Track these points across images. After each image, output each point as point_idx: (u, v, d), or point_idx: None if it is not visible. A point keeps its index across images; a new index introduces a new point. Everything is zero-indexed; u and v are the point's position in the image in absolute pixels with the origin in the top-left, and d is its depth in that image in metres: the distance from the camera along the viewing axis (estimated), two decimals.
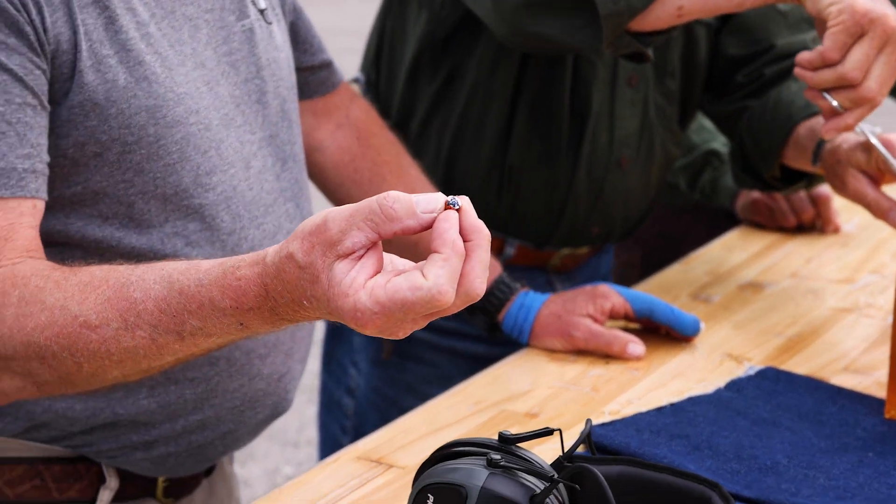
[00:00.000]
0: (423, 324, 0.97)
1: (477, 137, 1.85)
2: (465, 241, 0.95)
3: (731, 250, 2.04)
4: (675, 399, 1.49)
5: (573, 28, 1.59)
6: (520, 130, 1.84)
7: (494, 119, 1.84)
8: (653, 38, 1.61)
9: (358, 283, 0.94)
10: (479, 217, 0.97)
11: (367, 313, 0.94)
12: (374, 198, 0.94)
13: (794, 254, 2.02)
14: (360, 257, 0.95)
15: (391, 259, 1.00)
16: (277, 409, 1.45)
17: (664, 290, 1.86)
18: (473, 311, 1.69)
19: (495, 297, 1.68)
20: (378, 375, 1.97)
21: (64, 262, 1.22)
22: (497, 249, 1.90)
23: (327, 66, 1.65)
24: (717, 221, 2.20)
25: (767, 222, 2.12)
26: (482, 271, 0.95)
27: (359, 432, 1.85)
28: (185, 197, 1.31)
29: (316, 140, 1.67)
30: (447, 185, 1.86)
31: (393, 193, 0.94)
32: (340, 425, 2.03)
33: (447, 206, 0.95)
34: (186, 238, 1.31)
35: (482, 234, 0.95)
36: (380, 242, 0.96)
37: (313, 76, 1.64)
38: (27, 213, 1.19)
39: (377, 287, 0.94)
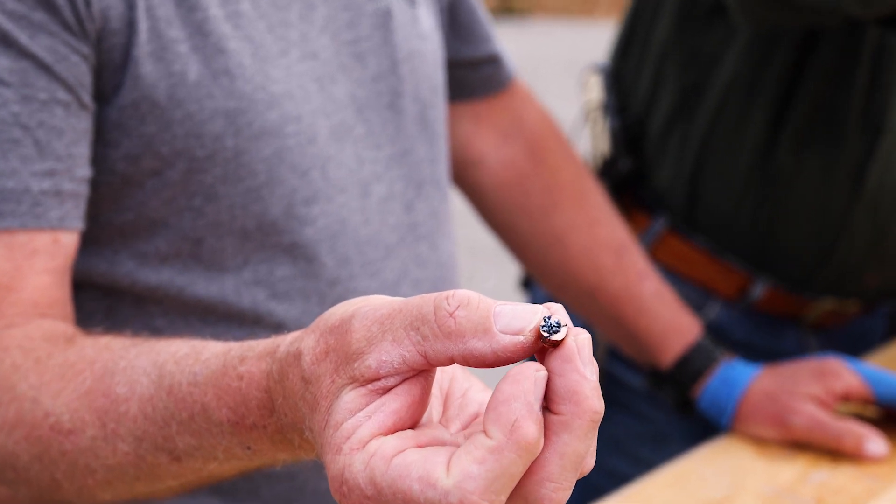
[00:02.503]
0: None
1: (733, 141, 1.49)
2: (552, 413, 0.55)
3: None
4: None
5: None
6: (789, 137, 1.46)
7: (757, 121, 1.47)
8: None
9: (360, 438, 0.57)
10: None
11: (354, 490, 0.56)
12: (432, 296, 0.57)
13: None
14: (388, 389, 0.58)
15: (464, 390, 0.62)
16: None
17: None
18: (661, 382, 1.33)
19: (692, 366, 1.31)
20: None
21: (109, 314, 0.92)
22: (741, 287, 1.52)
23: (494, 60, 1.32)
24: None
25: None
26: (563, 473, 0.54)
27: None
28: (272, 233, 0.99)
29: (476, 152, 1.34)
30: (691, 198, 1.51)
31: (461, 293, 0.56)
32: None
33: (540, 334, 0.54)
34: (272, 288, 0.99)
35: (585, 405, 0.54)
36: (431, 374, 0.58)
37: (475, 72, 1.31)
38: (42, 252, 0.88)
39: (380, 457, 0.56)
